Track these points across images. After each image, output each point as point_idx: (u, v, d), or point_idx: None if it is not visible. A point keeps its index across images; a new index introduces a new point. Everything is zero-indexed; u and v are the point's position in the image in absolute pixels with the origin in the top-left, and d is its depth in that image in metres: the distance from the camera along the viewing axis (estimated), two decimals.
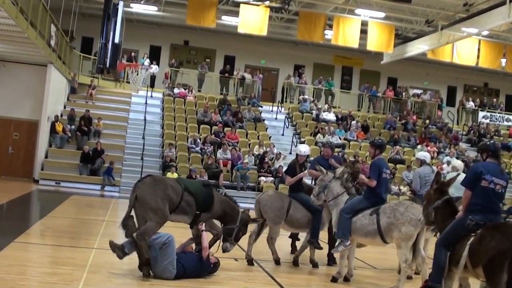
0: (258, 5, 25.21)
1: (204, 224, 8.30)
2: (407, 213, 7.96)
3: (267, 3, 25.18)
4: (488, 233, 6.05)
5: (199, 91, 29.33)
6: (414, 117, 30.24)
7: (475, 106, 32.21)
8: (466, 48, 26.70)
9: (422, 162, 10.51)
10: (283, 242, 11.69)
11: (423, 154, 11.04)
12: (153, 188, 7.89)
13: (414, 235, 7.94)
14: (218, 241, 8.59)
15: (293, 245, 11.23)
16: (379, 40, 26.38)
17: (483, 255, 5.95)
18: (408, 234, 7.88)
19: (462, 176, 8.23)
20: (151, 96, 28.10)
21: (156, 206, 7.79)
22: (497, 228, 6.08)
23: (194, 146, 23.89)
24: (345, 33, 25.79)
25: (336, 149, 25.47)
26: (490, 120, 31.73)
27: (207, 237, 8.12)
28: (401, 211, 8.00)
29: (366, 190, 8.63)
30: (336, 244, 8.63)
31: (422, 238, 8.19)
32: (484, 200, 6.39)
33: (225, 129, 25.51)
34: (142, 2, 27.05)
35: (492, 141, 6.86)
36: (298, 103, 29.59)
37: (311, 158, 13.48)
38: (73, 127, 23.87)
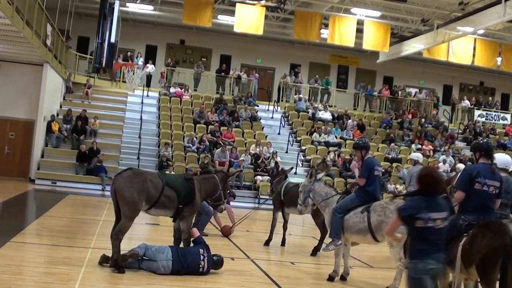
0: (254, 5, 25.24)
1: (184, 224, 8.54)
2: None
3: (263, 2, 25.20)
4: (479, 231, 6.06)
5: (195, 90, 29.32)
6: (410, 116, 30.30)
7: (471, 104, 32.29)
8: (461, 47, 26.79)
9: (415, 162, 11.56)
10: (279, 239, 11.75)
11: (416, 155, 12.09)
12: (131, 181, 7.96)
13: (406, 233, 7.96)
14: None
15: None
16: (375, 39, 26.45)
17: (475, 254, 5.96)
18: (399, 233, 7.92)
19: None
20: (147, 96, 28.08)
21: (131, 200, 7.88)
22: (489, 226, 6.10)
23: (190, 145, 23.88)
24: (341, 32, 25.84)
25: (332, 148, 25.66)
26: (485, 119, 31.83)
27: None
28: (391, 209, 8.02)
29: (358, 189, 8.66)
30: (328, 243, 8.68)
31: None
32: (478, 202, 6.42)
33: (221, 128, 25.52)
34: (138, 1, 27.03)
35: (485, 140, 6.87)
36: (294, 102, 29.63)
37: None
38: (69, 126, 23.84)
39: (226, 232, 12.25)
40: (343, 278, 8.64)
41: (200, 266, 8.06)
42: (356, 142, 9.19)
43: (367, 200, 8.35)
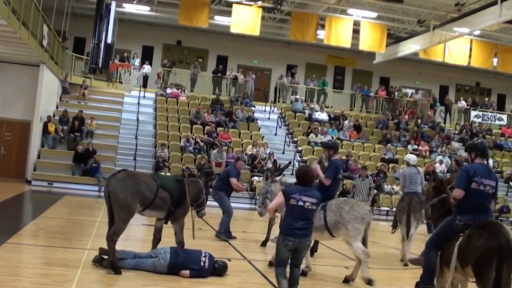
0: (250, 5, 25.23)
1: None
2: (352, 212, 8.30)
3: (259, 3, 25.20)
4: (475, 232, 6.09)
5: (191, 91, 29.31)
6: (406, 117, 30.33)
7: (467, 105, 32.35)
8: (458, 48, 26.83)
9: (408, 164, 11.86)
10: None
11: (408, 156, 12.41)
12: (124, 183, 7.90)
13: (362, 230, 8.31)
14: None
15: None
16: (371, 40, 26.47)
17: (471, 254, 5.99)
18: (356, 231, 8.23)
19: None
20: (144, 96, 28.05)
21: (125, 202, 7.82)
22: (484, 226, 6.12)
23: (188, 145, 23.85)
24: (337, 33, 25.85)
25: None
26: (482, 119, 31.90)
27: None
28: (346, 210, 8.34)
29: (318, 188, 8.61)
30: None
31: (368, 234, 8.51)
32: (474, 202, 6.43)
33: (218, 129, 25.51)
34: (134, 2, 27.01)
35: (479, 140, 6.88)
36: (291, 103, 29.65)
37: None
38: (65, 127, 23.79)
39: (240, 188, 13.05)
40: (305, 273, 8.67)
41: (202, 260, 8.04)
42: (326, 142, 9.56)
43: (323, 199, 8.32)
